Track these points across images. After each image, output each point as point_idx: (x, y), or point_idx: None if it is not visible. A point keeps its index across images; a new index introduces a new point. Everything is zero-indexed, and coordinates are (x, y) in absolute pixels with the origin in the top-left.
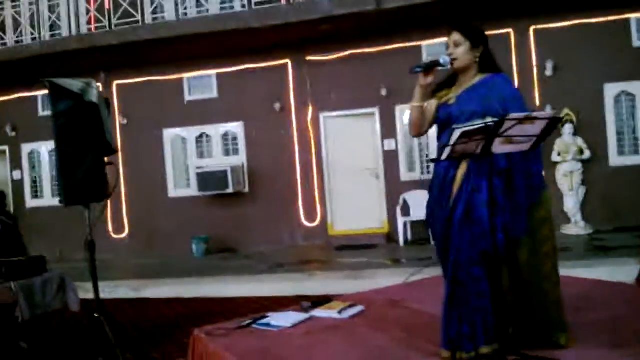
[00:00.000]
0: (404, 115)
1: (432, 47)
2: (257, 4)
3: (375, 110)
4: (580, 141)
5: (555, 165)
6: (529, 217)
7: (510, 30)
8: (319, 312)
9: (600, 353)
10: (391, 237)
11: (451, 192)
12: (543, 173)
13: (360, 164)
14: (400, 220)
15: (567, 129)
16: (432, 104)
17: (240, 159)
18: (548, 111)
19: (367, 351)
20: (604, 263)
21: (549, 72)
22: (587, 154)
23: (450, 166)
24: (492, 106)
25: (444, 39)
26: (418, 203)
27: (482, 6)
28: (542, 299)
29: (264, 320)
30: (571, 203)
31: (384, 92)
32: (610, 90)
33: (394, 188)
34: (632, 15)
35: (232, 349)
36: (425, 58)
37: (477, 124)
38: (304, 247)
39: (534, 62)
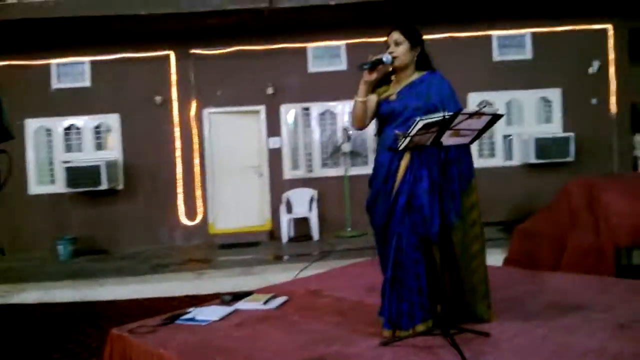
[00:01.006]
0: (288, 114)
1: (318, 49)
2: None
3: (261, 108)
4: None
5: None
6: (461, 203)
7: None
8: (243, 305)
9: (518, 324)
10: (274, 234)
11: (394, 182)
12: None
13: (244, 161)
14: (284, 218)
15: None
16: (372, 100)
17: (115, 153)
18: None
19: (310, 337)
20: None
21: None
22: None
23: (394, 157)
24: (432, 102)
25: (330, 42)
26: (301, 200)
27: (369, 14)
28: (470, 277)
29: (187, 316)
30: None
31: (270, 91)
32: (475, 98)
33: (278, 186)
34: (495, 32)
35: (167, 344)
36: (370, 57)
37: (437, 116)
38: (184, 246)
39: None
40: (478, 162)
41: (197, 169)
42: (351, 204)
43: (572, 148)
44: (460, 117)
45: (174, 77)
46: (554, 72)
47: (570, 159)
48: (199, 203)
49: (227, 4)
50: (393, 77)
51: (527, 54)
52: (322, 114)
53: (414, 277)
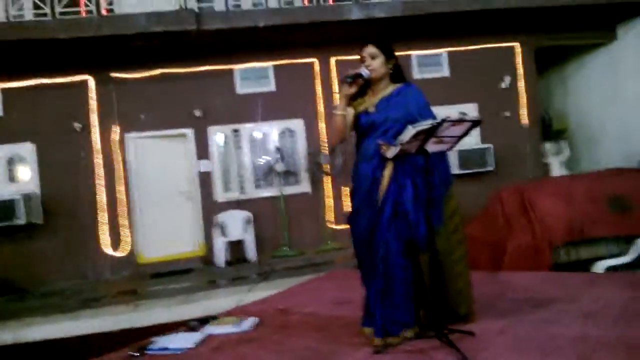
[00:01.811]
0: (216, 136)
1: (245, 71)
2: (61, 13)
3: (189, 132)
4: None
5: None
6: (442, 209)
7: (315, 59)
8: (213, 329)
9: (497, 323)
10: (207, 259)
11: (379, 192)
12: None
13: (172, 186)
14: (219, 241)
15: None
16: (350, 113)
17: (32, 185)
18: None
19: (299, 354)
20: None
21: None
22: None
23: (377, 167)
24: (411, 112)
25: (257, 64)
26: (235, 223)
27: (295, 37)
28: (454, 281)
29: (156, 346)
30: None
31: (198, 113)
32: None
33: (210, 209)
34: (414, 52)
35: None
36: (349, 71)
37: (427, 123)
38: (111, 279)
39: (336, 90)
40: None
41: (121, 196)
42: (287, 223)
43: (491, 158)
44: (445, 125)
45: (93, 103)
46: (470, 88)
47: (490, 168)
48: (125, 232)
49: (153, 26)
50: (369, 91)
51: (444, 71)
52: (253, 135)
53: (403, 283)
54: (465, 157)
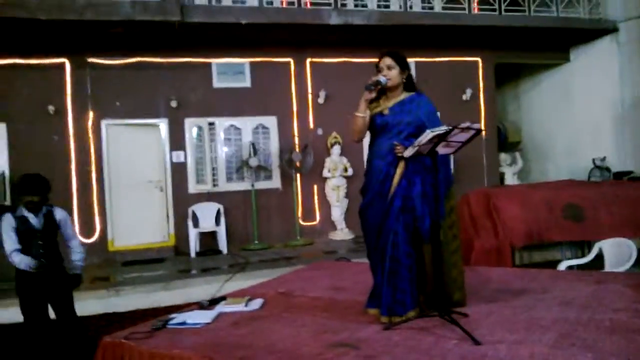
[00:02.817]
0: (192, 128)
1: (222, 66)
2: None
3: (164, 122)
4: (345, 160)
5: (325, 180)
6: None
7: (290, 60)
8: (224, 308)
9: (484, 307)
10: (179, 249)
11: (390, 186)
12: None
13: (144, 175)
14: (192, 232)
15: (336, 149)
16: (367, 115)
17: (2, 165)
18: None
19: (313, 329)
20: None
21: (321, 100)
22: (350, 171)
23: (390, 165)
24: (421, 118)
25: (234, 60)
26: (207, 215)
27: (273, 36)
28: (450, 270)
29: (175, 321)
30: (337, 213)
31: (174, 104)
32: None
33: (183, 200)
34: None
35: (179, 345)
36: (371, 79)
37: (443, 129)
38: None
39: (310, 90)
40: None
41: (94, 183)
42: (258, 217)
43: (451, 165)
44: (456, 131)
45: (69, 87)
46: (435, 98)
47: None
48: (97, 219)
49: (137, 14)
50: (383, 96)
51: None
52: (227, 129)
53: (407, 269)
54: None
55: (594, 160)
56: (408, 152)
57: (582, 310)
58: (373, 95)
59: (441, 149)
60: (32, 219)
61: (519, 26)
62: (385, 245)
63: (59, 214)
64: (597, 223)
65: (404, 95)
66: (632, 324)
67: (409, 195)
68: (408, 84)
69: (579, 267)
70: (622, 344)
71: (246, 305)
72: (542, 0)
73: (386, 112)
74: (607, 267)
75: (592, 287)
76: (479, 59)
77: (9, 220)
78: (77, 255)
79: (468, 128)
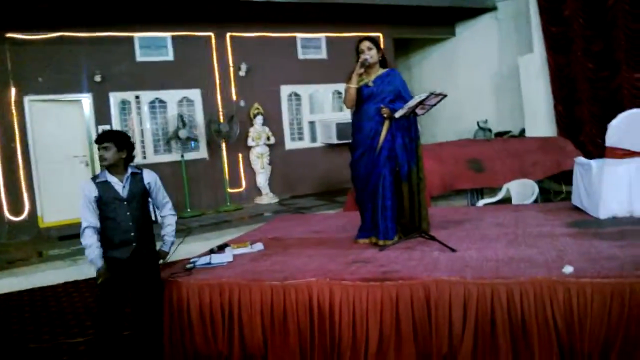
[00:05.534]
0: (118, 101)
1: (145, 39)
2: None
3: (88, 96)
4: (267, 130)
5: (250, 149)
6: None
7: (212, 34)
8: (235, 251)
9: (443, 231)
10: None
11: (378, 141)
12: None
13: (71, 150)
14: None
15: (258, 119)
16: (357, 86)
17: None
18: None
19: (323, 253)
20: None
21: (242, 73)
22: (272, 139)
23: (378, 124)
24: (397, 87)
25: (156, 34)
26: None
27: (191, 10)
28: (419, 204)
29: (200, 262)
30: (262, 179)
31: (98, 79)
32: (284, 91)
33: None
34: (299, 35)
35: (222, 275)
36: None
37: (426, 94)
38: (13, 242)
39: (231, 63)
40: (289, 145)
41: (20, 160)
42: (188, 186)
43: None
44: (431, 96)
45: None
46: (343, 71)
47: None
48: (25, 196)
49: None
50: (364, 71)
51: (323, 54)
52: (152, 102)
53: (393, 204)
54: (342, 129)
55: (478, 122)
56: (399, 113)
57: (514, 227)
58: (362, 70)
59: (419, 110)
60: (116, 184)
61: (412, 5)
62: (377, 187)
63: (148, 175)
64: (494, 172)
65: (381, 71)
66: (554, 232)
67: (393, 147)
68: (382, 62)
69: (492, 204)
70: (552, 243)
71: (252, 248)
72: None
73: (371, 84)
74: (514, 202)
75: (514, 214)
76: (380, 34)
77: (86, 188)
78: (168, 229)
79: (439, 94)
